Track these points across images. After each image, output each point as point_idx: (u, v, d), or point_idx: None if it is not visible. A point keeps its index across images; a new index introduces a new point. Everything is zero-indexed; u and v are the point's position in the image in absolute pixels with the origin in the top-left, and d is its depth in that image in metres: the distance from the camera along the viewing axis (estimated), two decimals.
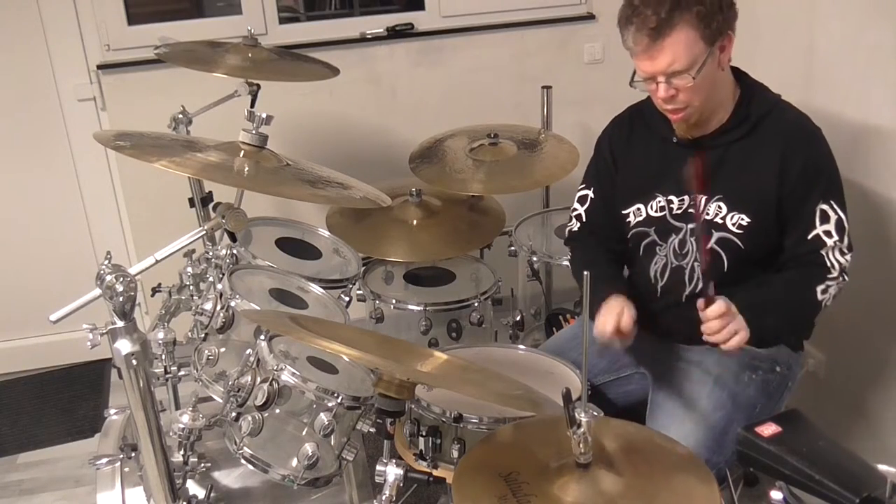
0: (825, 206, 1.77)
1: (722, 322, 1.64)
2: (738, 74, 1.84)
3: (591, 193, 2.05)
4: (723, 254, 1.81)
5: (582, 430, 1.32)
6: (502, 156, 2.61)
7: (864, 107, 2.26)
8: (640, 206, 1.90)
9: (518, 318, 2.62)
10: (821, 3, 2.41)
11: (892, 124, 2.17)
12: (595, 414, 1.36)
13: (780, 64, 2.56)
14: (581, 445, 1.33)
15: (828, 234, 1.77)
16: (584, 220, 2.07)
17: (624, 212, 1.93)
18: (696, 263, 1.85)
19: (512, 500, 1.30)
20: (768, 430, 1.32)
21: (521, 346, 2.12)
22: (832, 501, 1.20)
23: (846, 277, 1.81)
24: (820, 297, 1.78)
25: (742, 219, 1.79)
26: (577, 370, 1.89)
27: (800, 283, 1.80)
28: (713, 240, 1.81)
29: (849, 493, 1.19)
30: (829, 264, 1.78)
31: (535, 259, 2.55)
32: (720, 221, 1.80)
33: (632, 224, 1.93)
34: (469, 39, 3.21)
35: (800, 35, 2.49)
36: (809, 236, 1.78)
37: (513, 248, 2.61)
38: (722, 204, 1.80)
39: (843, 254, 1.79)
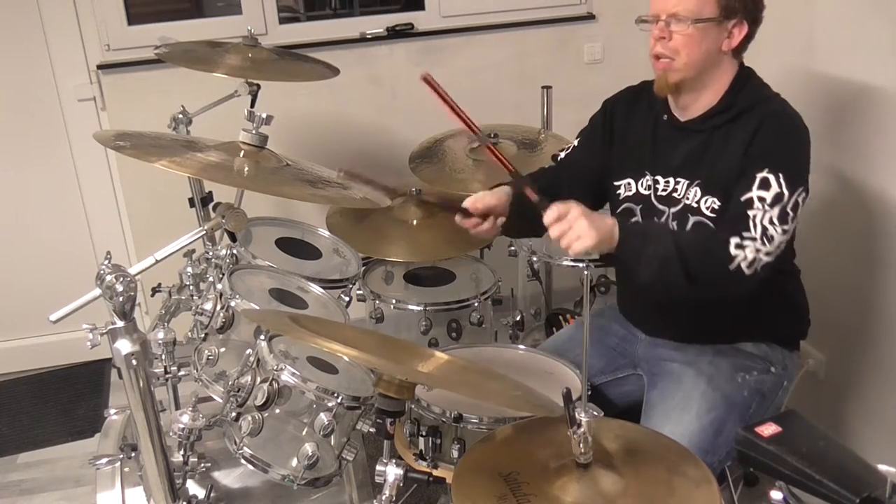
0: (769, 175, 1.68)
1: (559, 228, 1.61)
2: (744, 70, 1.84)
3: (576, 143, 2.07)
4: None
5: (582, 430, 1.32)
6: (502, 156, 2.61)
7: (864, 106, 2.26)
8: (631, 180, 1.92)
9: (518, 318, 2.62)
10: (820, 2, 2.41)
11: (892, 124, 2.17)
12: (595, 414, 1.35)
13: (779, 63, 2.56)
14: (581, 445, 1.33)
15: (761, 199, 1.68)
16: (558, 160, 2.10)
17: (616, 183, 1.95)
18: None
19: (512, 500, 1.30)
20: (768, 430, 1.32)
21: (521, 346, 2.12)
22: (832, 501, 1.20)
23: (767, 246, 1.65)
24: (733, 250, 1.65)
25: (714, 202, 1.79)
26: (577, 370, 1.89)
27: (714, 231, 1.74)
28: (689, 224, 1.82)
29: (849, 493, 1.18)
30: (750, 224, 1.67)
31: (535, 259, 2.54)
32: (695, 206, 1.81)
33: (621, 197, 1.94)
34: (469, 39, 3.21)
35: (799, 34, 2.49)
36: (743, 198, 1.70)
37: (513, 248, 2.61)
38: (698, 189, 1.81)
39: (771, 223, 1.66)
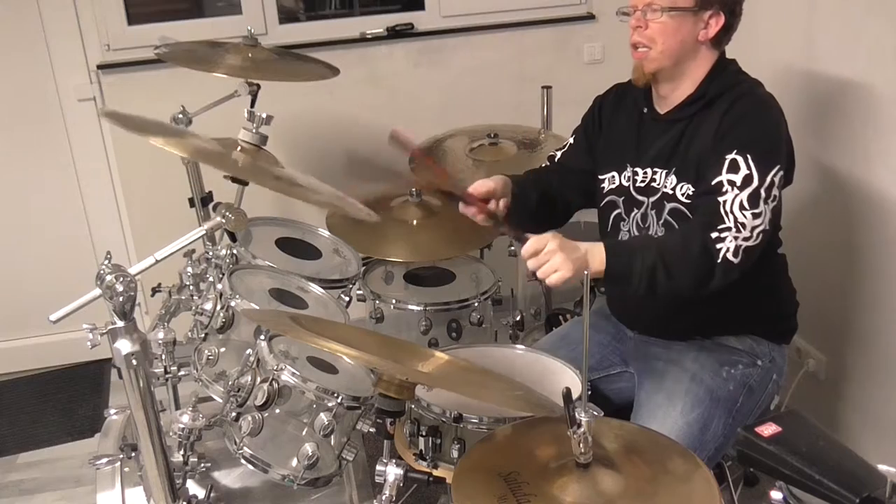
0: (738, 157, 1.69)
1: (536, 261, 1.65)
2: (723, 60, 1.85)
3: (571, 141, 2.10)
4: (675, 224, 1.83)
5: (582, 430, 1.32)
6: (502, 156, 2.61)
7: (864, 107, 2.26)
8: (615, 173, 1.95)
9: (518, 318, 2.62)
10: (820, 1, 2.41)
11: (893, 124, 2.17)
12: (595, 414, 1.35)
13: (777, 61, 2.56)
14: (581, 445, 1.33)
15: (731, 183, 1.69)
16: (554, 160, 2.11)
17: (600, 177, 1.98)
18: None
19: (512, 500, 1.29)
20: (768, 430, 1.32)
21: (521, 346, 2.12)
22: (832, 501, 1.20)
23: (743, 232, 1.68)
24: (716, 245, 1.67)
25: (689, 188, 1.80)
26: (575, 369, 1.89)
27: (691, 227, 1.75)
28: (666, 211, 1.84)
29: (849, 493, 1.18)
30: (722, 213, 1.68)
31: None
32: (671, 192, 1.83)
33: (605, 190, 1.97)
34: (469, 39, 3.21)
35: (799, 34, 2.49)
36: (713, 181, 1.71)
37: (513, 248, 2.61)
38: (674, 177, 1.83)
39: (742, 209, 1.68)
